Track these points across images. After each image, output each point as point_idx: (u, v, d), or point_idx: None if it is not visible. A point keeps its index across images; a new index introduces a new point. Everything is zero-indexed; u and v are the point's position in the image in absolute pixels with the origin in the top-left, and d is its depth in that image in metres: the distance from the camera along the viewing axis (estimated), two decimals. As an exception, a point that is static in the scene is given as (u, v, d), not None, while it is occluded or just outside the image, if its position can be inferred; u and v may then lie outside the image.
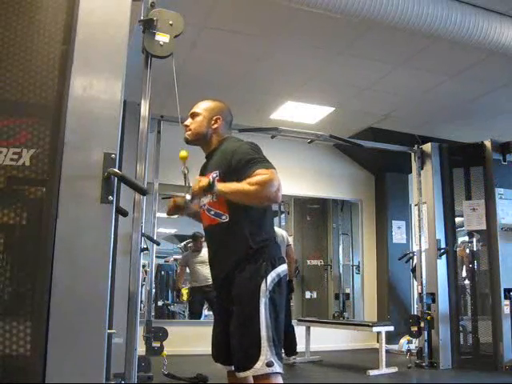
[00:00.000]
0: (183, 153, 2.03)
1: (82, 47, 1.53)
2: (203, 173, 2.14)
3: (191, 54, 4.30)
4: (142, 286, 5.03)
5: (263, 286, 1.89)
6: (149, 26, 2.14)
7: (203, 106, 2.18)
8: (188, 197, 1.92)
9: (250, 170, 1.90)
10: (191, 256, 6.61)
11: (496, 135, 5.45)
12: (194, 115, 2.18)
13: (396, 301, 6.71)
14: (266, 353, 1.82)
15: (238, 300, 1.92)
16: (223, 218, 1.99)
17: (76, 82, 1.51)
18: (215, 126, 2.15)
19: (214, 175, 1.99)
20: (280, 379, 1.88)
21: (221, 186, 1.88)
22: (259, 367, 1.81)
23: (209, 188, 1.86)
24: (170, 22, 2.16)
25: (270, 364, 1.82)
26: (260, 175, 1.87)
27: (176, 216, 2.28)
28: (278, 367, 1.84)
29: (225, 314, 1.99)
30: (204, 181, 1.88)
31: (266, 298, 1.88)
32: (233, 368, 1.95)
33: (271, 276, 1.92)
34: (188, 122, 2.18)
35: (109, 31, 1.58)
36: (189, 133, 2.16)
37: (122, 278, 3.11)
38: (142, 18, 2.15)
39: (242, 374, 1.87)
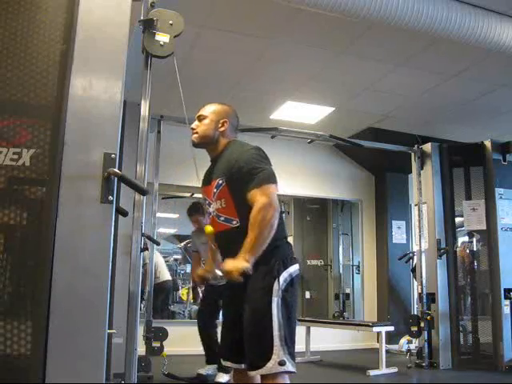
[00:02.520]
0: (209, 229, 2.05)
1: (81, 47, 1.53)
2: (209, 177, 2.15)
3: (191, 54, 4.30)
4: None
5: (275, 285, 1.91)
6: (149, 26, 2.14)
7: (210, 109, 2.18)
8: (219, 273, 1.93)
9: (246, 186, 1.94)
10: (196, 237, 4.75)
11: (496, 135, 5.45)
12: (200, 118, 2.17)
13: (396, 301, 6.71)
14: (279, 352, 1.85)
15: (251, 300, 1.93)
16: (234, 222, 2.01)
17: (76, 82, 1.51)
18: (222, 128, 2.15)
19: (246, 267, 1.86)
20: (287, 379, 1.89)
21: (247, 256, 1.84)
22: (271, 366, 1.84)
23: (244, 273, 1.83)
24: (170, 22, 2.16)
25: (282, 363, 1.84)
26: (252, 202, 1.90)
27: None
28: (290, 366, 1.86)
29: (236, 313, 2.00)
30: (239, 267, 1.82)
31: (279, 298, 1.90)
32: (242, 366, 1.97)
33: (283, 276, 1.94)
34: (195, 124, 2.18)
35: (109, 31, 1.58)
36: (196, 135, 2.16)
37: (122, 278, 3.12)
38: (142, 18, 2.15)
39: (253, 373, 1.89)
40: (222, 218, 2.04)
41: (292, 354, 1.89)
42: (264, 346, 1.86)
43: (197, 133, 2.16)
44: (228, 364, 2.07)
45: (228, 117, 2.18)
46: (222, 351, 2.11)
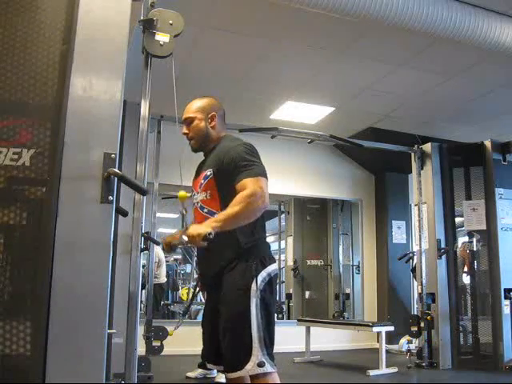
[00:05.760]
0: (182, 193, 2.02)
1: (81, 47, 1.53)
2: (199, 170, 2.13)
3: (191, 54, 4.30)
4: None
5: (254, 285, 1.87)
6: (149, 26, 2.14)
7: (195, 108, 2.13)
8: (185, 238, 1.85)
9: (236, 177, 1.90)
10: None
11: (496, 135, 5.45)
12: (188, 121, 2.12)
13: (396, 301, 6.71)
14: (257, 353, 1.82)
15: (228, 300, 1.90)
16: (216, 216, 1.94)
17: (76, 82, 1.51)
18: (213, 123, 2.12)
19: (209, 231, 1.78)
20: (277, 378, 1.87)
21: (214, 224, 1.79)
22: (250, 368, 1.81)
23: (206, 238, 1.76)
24: (170, 22, 2.16)
25: (261, 364, 1.81)
26: (242, 190, 1.85)
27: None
28: (269, 367, 1.83)
29: (213, 313, 1.97)
30: (201, 232, 1.76)
31: (257, 298, 1.87)
32: (222, 368, 1.94)
33: (262, 275, 1.91)
34: (185, 129, 2.13)
35: (109, 31, 1.58)
36: (193, 142, 2.13)
37: (122, 278, 3.12)
38: (141, 17, 2.15)
39: (232, 375, 1.86)
40: (206, 210, 2.01)
41: (271, 355, 1.86)
42: (243, 347, 1.83)
43: (192, 138, 2.12)
44: (210, 366, 2.05)
45: (215, 109, 2.14)
46: (204, 352, 2.09)
